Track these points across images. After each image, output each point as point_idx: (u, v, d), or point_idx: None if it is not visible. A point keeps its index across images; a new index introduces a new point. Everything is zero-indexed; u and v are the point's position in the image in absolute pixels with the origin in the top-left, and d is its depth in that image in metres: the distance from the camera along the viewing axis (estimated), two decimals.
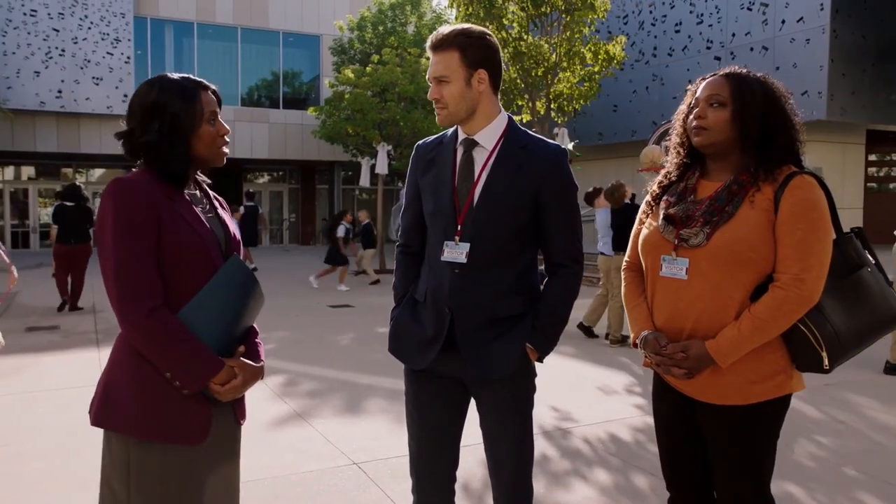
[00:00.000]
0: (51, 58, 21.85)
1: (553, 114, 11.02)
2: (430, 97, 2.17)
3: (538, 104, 10.98)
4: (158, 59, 24.38)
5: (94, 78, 22.47)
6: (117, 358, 1.83)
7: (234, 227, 2.03)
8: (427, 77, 2.19)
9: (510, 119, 2.26)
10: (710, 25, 15.76)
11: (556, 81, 10.76)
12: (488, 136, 2.19)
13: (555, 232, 2.20)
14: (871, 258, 2.06)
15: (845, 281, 1.99)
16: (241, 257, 1.98)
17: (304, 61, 26.67)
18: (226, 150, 1.95)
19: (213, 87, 1.95)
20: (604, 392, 5.61)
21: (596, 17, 10.55)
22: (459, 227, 2.15)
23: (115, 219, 1.72)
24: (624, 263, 2.33)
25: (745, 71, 2.06)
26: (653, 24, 17.03)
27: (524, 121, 11.29)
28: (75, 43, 22.24)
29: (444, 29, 2.15)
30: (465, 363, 2.16)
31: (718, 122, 2.00)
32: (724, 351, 1.94)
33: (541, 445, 4.32)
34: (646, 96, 16.74)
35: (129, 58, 22.86)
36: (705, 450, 2.14)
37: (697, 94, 2.08)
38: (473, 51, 2.12)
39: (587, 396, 5.48)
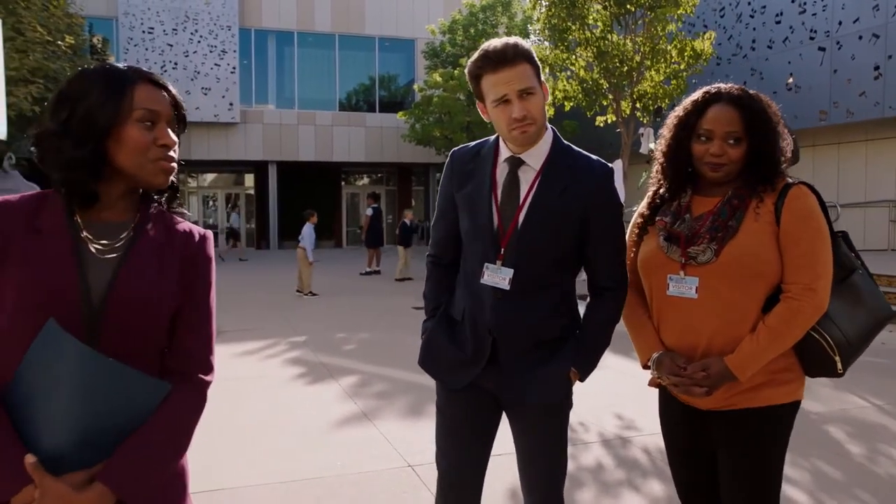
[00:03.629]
0: (165, 71, 23.35)
1: (638, 113, 10.78)
2: (517, 115, 1.97)
3: (623, 104, 10.77)
4: (261, 68, 25.57)
5: (203, 88, 23.84)
6: None
7: (150, 278, 1.41)
8: (500, 96, 1.98)
9: (555, 134, 2.17)
10: (814, 14, 14.92)
11: (640, 80, 10.52)
12: (536, 156, 2.10)
13: (601, 254, 2.13)
14: (858, 260, 2.09)
15: (843, 285, 2.02)
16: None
17: (399, 65, 27.25)
18: (167, 164, 1.44)
19: (166, 83, 1.47)
20: None
21: (683, 12, 10.24)
22: (503, 251, 2.06)
23: None
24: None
25: (742, 93, 2.02)
26: (751, 16, 16.29)
27: (609, 121, 11.11)
28: (186, 56, 23.69)
29: (505, 42, 2.01)
30: (506, 386, 2.12)
31: (736, 157, 2.00)
32: (743, 365, 1.93)
33: (597, 454, 4.30)
34: None
35: (234, 68, 24.11)
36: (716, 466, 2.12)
37: (706, 123, 2.01)
38: (537, 64, 2.05)
39: (655, 405, 5.34)
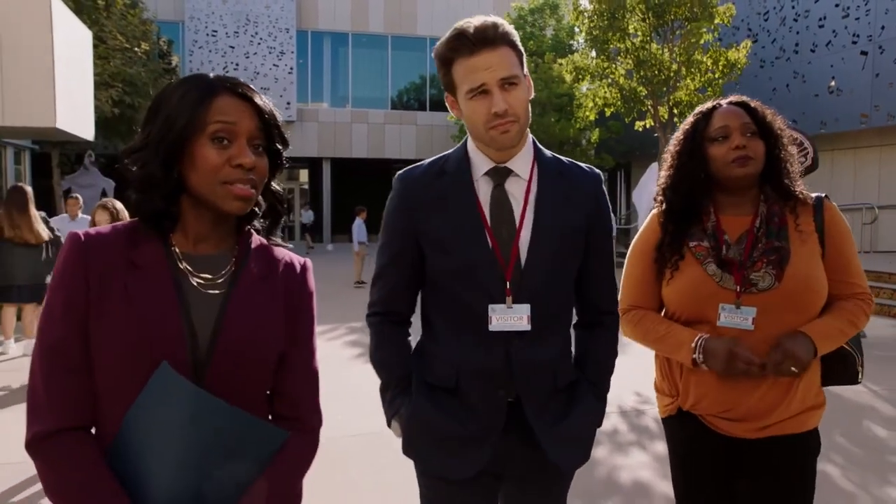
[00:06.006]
0: (227, 72, 24.56)
1: (675, 119, 11.38)
2: (498, 110, 1.57)
3: (661, 110, 11.38)
4: (317, 69, 26.68)
5: (261, 88, 24.30)
6: None
7: (258, 317, 1.27)
8: (478, 85, 1.59)
9: (533, 137, 1.82)
10: (857, 19, 15.18)
11: (677, 88, 11.12)
12: (524, 162, 1.71)
13: (602, 274, 1.83)
14: None
15: None
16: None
17: None
18: (241, 189, 1.21)
19: (252, 94, 1.25)
20: None
21: (720, 22, 10.78)
22: (508, 285, 1.66)
23: (51, 290, 1.20)
24: (625, 305, 2.07)
25: (740, 100, 1.97)
26: (794, 20, 16.59)
27: (647, 126, 11.73)
28: (247, 57, 24.93)
29: (485, 20, 1.60)
30: (527, 453, 1.72)
31: (759, 152, 1.88)
32: (823, 335, 1.83)
33: (614, 421, 5.06)
34: (786, 94, 16.37)
35: (291, 68, 25.27)
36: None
37: (718, 122, 1.91)
38: (521, 51, 1.66)
39: None
